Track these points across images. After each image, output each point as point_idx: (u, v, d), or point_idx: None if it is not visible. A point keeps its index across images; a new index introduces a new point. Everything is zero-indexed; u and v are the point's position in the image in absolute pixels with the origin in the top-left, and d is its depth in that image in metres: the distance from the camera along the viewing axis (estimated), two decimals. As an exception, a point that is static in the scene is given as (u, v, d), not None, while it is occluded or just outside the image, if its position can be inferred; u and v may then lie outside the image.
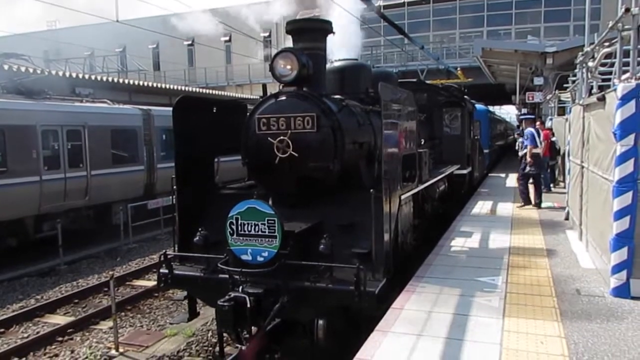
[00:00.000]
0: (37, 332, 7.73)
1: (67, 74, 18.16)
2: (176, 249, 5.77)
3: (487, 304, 4.93)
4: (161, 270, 5.47)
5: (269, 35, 37.15)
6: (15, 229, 11.47)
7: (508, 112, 51.27)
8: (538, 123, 15.24)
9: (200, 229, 5.46)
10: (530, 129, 11.16)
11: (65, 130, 12.28)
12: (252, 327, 4.80)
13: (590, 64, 7.91)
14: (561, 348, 3.98)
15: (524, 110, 26.10)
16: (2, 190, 10.70)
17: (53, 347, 7.32)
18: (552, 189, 13.37)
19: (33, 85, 13.03)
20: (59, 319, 8.30)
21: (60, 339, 7.52)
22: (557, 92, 16.44)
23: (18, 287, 9.97)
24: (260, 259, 4.79)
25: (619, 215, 5.02)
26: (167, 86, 23.83)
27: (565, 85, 14.64)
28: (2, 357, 6.83)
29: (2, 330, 7.86)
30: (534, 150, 10.74)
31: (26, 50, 14.33)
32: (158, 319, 8.24)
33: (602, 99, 5.87)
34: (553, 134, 13.62)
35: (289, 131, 5.36)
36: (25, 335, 7.70)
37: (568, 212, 9.32)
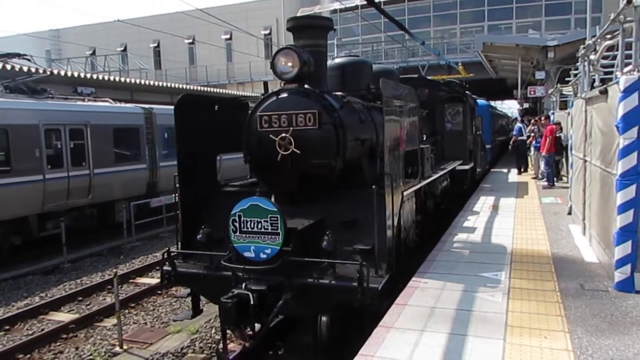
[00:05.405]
0: (42, 330, 7.78)
1: (69, 74, 18.19)
2: (179, 246, 5.78)
3: (490, 299, 4.92)
4: (164, 268, 5.47)
5: (270, 33, 37.16)
6: (19, 227, 11.53)
7: (510, 107, 51.19)
8: (543, 118, 15.25)
9: (203, 227, 5.47)
10: (518, 124, 17.77)
11: (68, 129, 12.31)
12: (256, 324, 4.81)
13: (592, 57, 7.86)
14: (565, 342, 3.97)
15: (525, 106, 26.08)
16: (6, 189, 10.75)
17: (57, 344, 7.36)
18: (556, 184, 13.33)
19: (35, 85, 13.07)
20: (63, 317, 8.33)
21: (64, 336, 7.56)
22: (559, 86, 16.38)
23: (22, 285, 10.02)
24: (263, 256, 4.79)
25: (623, 208, 5.00)
26: (169, 85, 23.84)
27: (567, 79, 14.57)
28: (8, 354, 6.87)
29: (7, 327, 7.90)
30: (519, 138, 16.63)
31: (28, 50, 14.34)
32: (162, 316, 8.26)
33: (605, 92, 5.85)
34: (561, 129, 13.49)
35: (291, 128, 5.35)
36: (30, 332, 7.74)
37: (571, 207, 9.30)
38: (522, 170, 16.86)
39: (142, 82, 22.64)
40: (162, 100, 20.64)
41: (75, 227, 12.68)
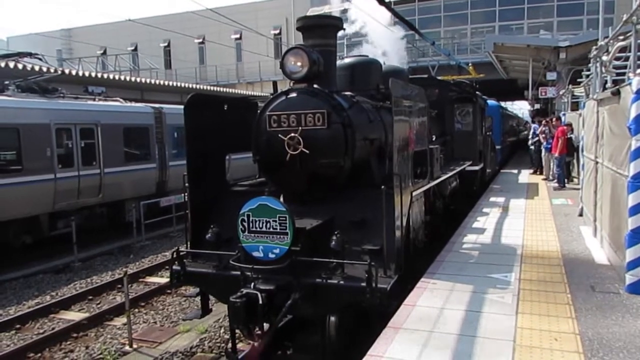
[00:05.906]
0: (53, 329, 7.83)
1: (80, 73, 18.33)
2: (188, 246, 5.80)
3: (499, 301, 4.90)
4: (174, 267, 5.49)
5: (279, 33, 37.21)
6: (30, 226, 11.63)
7: (520, 108, 50.86)
8: (554, 119, 15.14)
9: (212, 226, 5.48)
10: (535, 124, 18.50)
11: (79, 128, 12.40)
12: (264, 324, 4.82)
13: (605, 58, 7.79)
14: (576, 345, 3.94)
15: (536, 106, 25.91)
16: (17, 188, 10.84)
17: (68, 343, 7.40)
18: (567, 185, 13.23)
19: (47, 84, 13.19)
20: (74, 316, 8.39)
21: (75, 335, 7.61)
22: (570, 87, 16.24)
23: (33, 284, 10.10)
24: (271, 255, 4.80)
25: (634, 210, 4.96)
26: (179, 84, 23.95)
27: (579, 80, 14.47)
28: (19, 353, 6.92)
29: (18, 326, 7.96)
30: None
31: (40, 49, 14.47)
32: (171, 315, 8.30)
33: (617, 93, 5.79)
34: (572, 130, 13.36)
35: (300, 128, 5.35)
36: (41, 331, 7.80)
37: (582, 208, 9.23)
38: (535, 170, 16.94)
39: (153, 81, 22.77)
40: (172, 99, 20.74)
41: (86, 226, 12.77)
